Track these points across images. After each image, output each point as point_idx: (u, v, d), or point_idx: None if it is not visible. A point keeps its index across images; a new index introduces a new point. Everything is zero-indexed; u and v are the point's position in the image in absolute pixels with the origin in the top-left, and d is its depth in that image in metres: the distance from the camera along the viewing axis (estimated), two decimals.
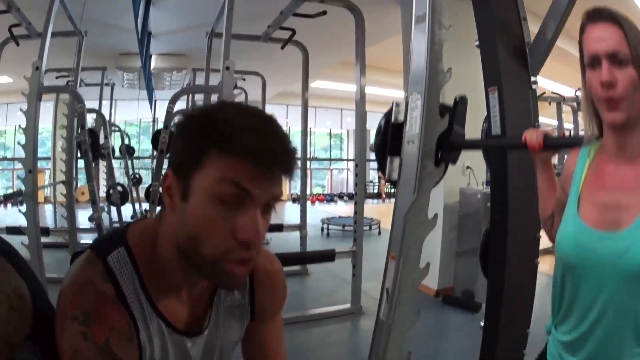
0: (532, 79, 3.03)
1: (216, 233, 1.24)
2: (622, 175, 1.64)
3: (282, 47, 7.61)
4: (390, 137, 2.72)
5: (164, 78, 12.64)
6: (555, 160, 2.19)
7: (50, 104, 12.81)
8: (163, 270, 1.41)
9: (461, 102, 2.57)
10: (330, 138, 25.53)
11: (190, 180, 1.25)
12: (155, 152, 8.03)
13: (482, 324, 3.28)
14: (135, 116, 19.00)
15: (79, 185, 12.16)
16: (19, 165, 5.42)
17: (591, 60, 1.59)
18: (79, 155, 7.40)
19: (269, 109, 9.47)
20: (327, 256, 6.21)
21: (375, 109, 9.83)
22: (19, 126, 5.16)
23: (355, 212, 6.42)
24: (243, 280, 1.34)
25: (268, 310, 1.71)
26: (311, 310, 6.47)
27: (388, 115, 2.76)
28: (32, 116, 5.02)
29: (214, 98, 5.88)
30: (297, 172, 1.31)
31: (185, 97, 9.89)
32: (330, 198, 22.63)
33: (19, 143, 5.17)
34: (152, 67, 11.35)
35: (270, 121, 1.27)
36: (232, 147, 1.19)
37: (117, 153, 10.95)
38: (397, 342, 2.68)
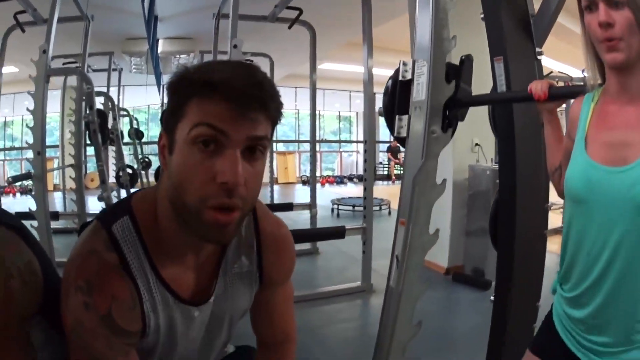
0: (537, 49, 3.03)
1: (196, 178, 1.24)
2: (626, 115, 1.66)
3: (290, 27, 7.56)
4: (398, 95, 2.73)
5: (171, 62, 12.63)
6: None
7: (57, 93, 12.81)
8: (166, 236, 1.43)
9: (467, 61, 2.59)
10: (340, 121, 25.49)
11: (174, 133, 1.28)
12: None
13: (492, 298, 3.28)
14: (144, 102, 19.02)
15: (88, 172, 12.19)
16: (27, 155, 5.46)
17: (588, 3, 1.62)
18: (87, 141, 7.46)
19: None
20: (337, 233, 6.20)
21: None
22: (27, 109, 5.17)
23: (364, 188, 6.43)
24: (230, 232, 1.33)
25: (277, 275, 1.72)
26: (321, 288, 6.48)
27: (395, 75, 2.77)
28: (40, 99, 5.05)
29: None
30: (280, 115, 1.34)
31: None
32: (340, 180, 22.61)
33: (27, 126, 5.19)
34: (159, 51, 11.34)
35: (248, 66, 1.29)
36: (206, 93, 1.22)
37: (126, 138, 10.96)
38: (408, 310, 2.70)
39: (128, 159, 10.62)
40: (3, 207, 1.68)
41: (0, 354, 1.37)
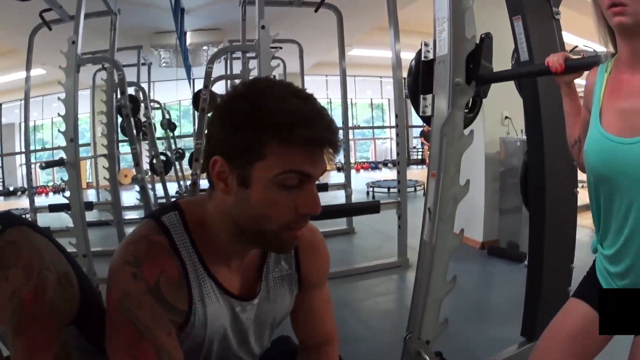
0: (555, 9, 3.06)
1: (281, 211, 1.39)
2: (638, 81, 1.68)
3: (316, 10, 7.54)
4: (421, 74, 2.82)
5: (200, 54, 12.71)
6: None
7: (86, 93, 12.89)
8: (215, 243, 1.54)
9: (487, 39, 2.65)
10: (372, 109, 25.45)
11: (250, 170, 1.36)
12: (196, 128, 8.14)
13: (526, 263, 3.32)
14: (175, 97, 19.11)
15: (121, 168, 12.30)
16: (58, 156, 5.56)
17: None
18: (120, 135, 7.57)
19: (308, 80, 9.48)
20: (373, 207, 6.24)
21: None
22: (59, 98, 5.24)
23: (398, 163, 6.49)
24: (295, 243, 1.53)
25: (314, 277, 1.82)
26: (358, 264, 6.53)
27: (418, 55, 2.86)
28: (71, 88, 5.12)
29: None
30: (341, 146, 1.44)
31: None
32: (374, 165, 22.65)
33: (59, 114, 5.28)
34: (187, 43, 11.42)
35: (314, 103, 1.39)
36: (290, 139, 1.32)
37: (158, 131, 11.03)
38: (442, 264, 2.75)
39: (161, 148, 10.69)
40: (36, 205, 1.78)
41: (43, 355, 1.45)
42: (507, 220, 6.81)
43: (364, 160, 23.87)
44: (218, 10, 10.47)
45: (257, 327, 1.74)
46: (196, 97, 7.26)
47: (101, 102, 7.74)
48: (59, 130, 5.36)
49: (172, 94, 17.73)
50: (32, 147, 10.81)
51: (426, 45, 2.80)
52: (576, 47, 9.59)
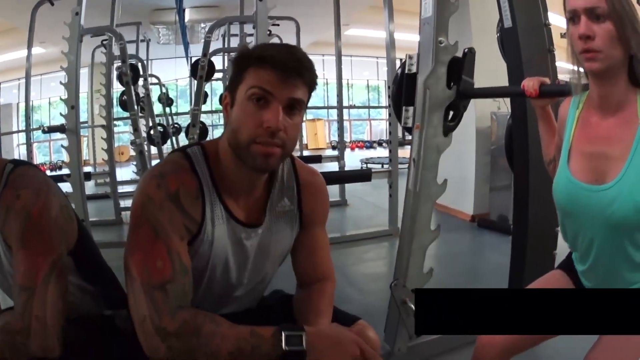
0: None
1: (249, 124, 1.65)
2: (607, 126, 1.79)
3: None
4: (405, 87, 3.00)
5: (198, 31, 12.80)
6: None
7: (84, 71, 12.91)
8: (225, 173, 1.80)
9: (470, 53, 2.82)
10: (369, 91, 25.50)
11: (235, 93, 1.69)
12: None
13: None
14: (172, 76, 19.12)
15: (117, 145, 12.40)
16: (55, 136, 5.69)
17: (571, 15, 1.73)
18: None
19: None
20: (364, 175, 6.37)
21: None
22: (61, 67, 5.38)
23: (389, 133, 6.61)
24: (272, 162, 1.71)
25: (314, 216, 2.05)
26: (350, 231, 6.72)
27: (402, 67, 3.03)
28: (73, 58, 5.29)
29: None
30: (314, 84, 1.74)
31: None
32: (369, 145, 22.81)
33: (60, 83, 5.43)
34: (186, 20, 11.49)
35: (290, 46, 1.73)
36: (259, 63, 1.63)
37: (156, 108, 11.13)
38: (426, 211, 2.91)
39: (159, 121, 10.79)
40: None
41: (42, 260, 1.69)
42: (499, 195, 6.96)
43: (360, 140, 23.98)
44: None
45: (257, 258, 1.94)
46: (194, 66, 7.45)
47: (99, 81, 7.95)
48: (60, 83, 5.53)
49: (170, 73, 17.77)
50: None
51: (410, 58, 2.98)
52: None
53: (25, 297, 1.66)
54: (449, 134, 2.92)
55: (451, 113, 2.93)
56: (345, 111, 8.88)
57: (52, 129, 5.81)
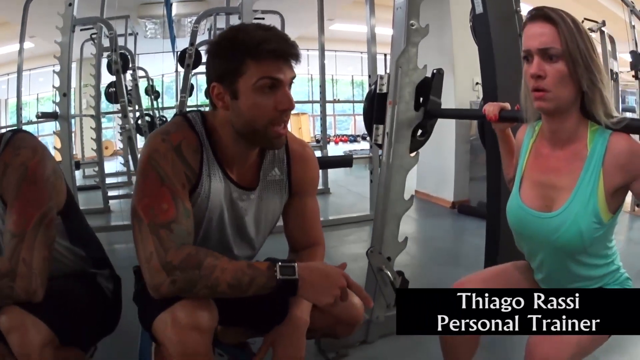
0: None
1: (264, 111, 1.85)
2: (556, 158, 1.93)
3: None
4: (375, 106, 3.20)
5: (184, 25, 12.92)
6: None
7: (73, 66, 12.94)
8: (222, 145, 2.00)
9: (438, 74, 3.03)
10: (353, 87, 25.59)
11: (237, 85, 1.84)
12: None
13: None
14: (158, 71, 19.13)
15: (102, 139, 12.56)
16: (43, 132, 5.89)
17: (525, 55, 1.84)
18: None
19: None
20: (346, 161, 6.51)
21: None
22: (55, 56, 5.56)
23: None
24: (284, 139, 1.98)
25: (303, 185, 2.25)
26: (333, 216, 6.93)
27: (375, 86, 3.21)
28: (66, 47, 5.51)
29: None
30: (301, 56, 1.91)
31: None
32: (353, 138, 22.89)
33: (54, 71, 5.62)
34: (173, 14, 11.60)
35: (274, 29, 1.89)
36: (260, 55, 1.80)
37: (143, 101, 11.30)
38: (399, 181, 3.09)
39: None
40: None
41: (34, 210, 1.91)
42: (478, 183, 7.06)
43: (344, 134, 24.10)
44: None
45: (249, 221, 2.14)
46: (182, 55, 7.65)
47: (88, 75, 8.13)
48: (54, 72, 5.69)
49: (156, 68, 17.78)
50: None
51: (381, 78, 3.15)
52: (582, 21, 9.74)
53: (15, 243, 1.85)
54: (416, 150, 3.16)
55: (419, 132, 3.15)
56: (330, 107, 9.01)
57: (45, 115, 6.00)
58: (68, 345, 2.04)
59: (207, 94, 2.04)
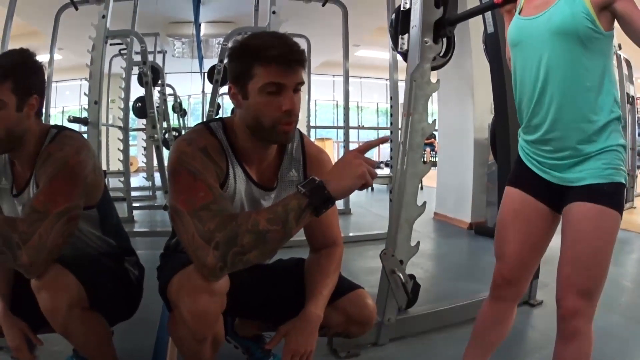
0: None
1: (270, 111, 1.99)
2: None
3: (323, 4, 7.96)
4: (400, 20, 3.41)
5: (212, 45, 13.12)
6: None
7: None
8: (241, 143, 2.17)
9: None
10: (378, 115, 25.70)
11: (247, 87, 2.00)
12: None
13: None
14: (186, 92, 19.30)
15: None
16: None
17: None
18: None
19: (314, 80, 9.95)
20: None
21: None
22: (87, 65, 5.72)
23: (391, 141, 7.06)
24: (290, 136, 2.08)
25: None
26: (352, 233, 7.07)
27: (397, 9, 3.48)
28: (98, 56, 5.62)
29: None
30: (306, 61, 2.08)
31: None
32: (377, 165, 22.91)
33: (85, 79, 5.81)
34: (201, 34, 11.82)
35: (283, 36, 2.03)
36: (266, 60, 1.94)
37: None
38: (413, 187, 3.23)
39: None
40: None
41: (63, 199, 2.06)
42: (495, 208, 7.12)
43: None
44: (232, 3, 10.92)
45: None
46: (211, 71, 7.90)
47: (115, 92, 8.33)
48: (85, 79, 5.90)
49: (184, 88, 17.93)
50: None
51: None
52: None
53: (36, 217, 1.97)
54: (441, 67, 3.35)
55: (444, 46, 3.34)
56: (354, 134, 9.15)
57: (76, 120, 6.14)
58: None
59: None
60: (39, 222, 1.95)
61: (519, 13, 2.24)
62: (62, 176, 2.06)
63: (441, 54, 3.32)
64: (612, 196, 2.02)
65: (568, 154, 2.11)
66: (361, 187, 1.86)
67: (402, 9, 3.41)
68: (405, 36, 3.36)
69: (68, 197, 2.05)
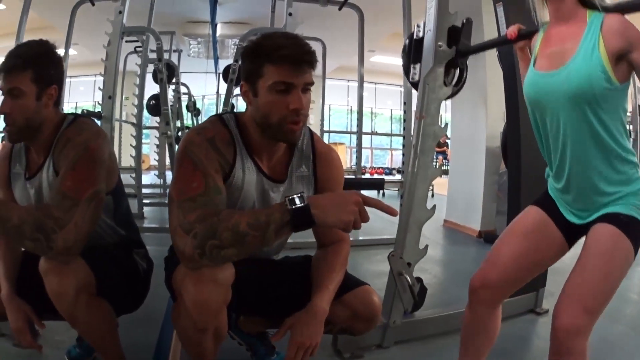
0: None
1: (278, 109, 2.03)
2: (562, 33, 2.13)
3: (340, 8, 7.97)
4: (413, 49, 3.42)
5: (228, 46, 13.16)
6: None
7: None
8: (252, 138, 2.19)
9: (467, 23, 3.23)
10: (392, 122, 25.71)
11: (257, 85, 2.05)
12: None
13: None
14: (200, 92, 19.33)
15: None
16: None
17: None
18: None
19: (329, 85, 9.86)
20: (377, 184, 6.61)
21: None
22: (102, 60, 5.74)
23: (403, 146, 7.02)
24: (298, 135, 2.12)
25: (328, 183, 2.39)
26: (362, 237, 7.03)
27: (410, 36, 3.48)
28: (114, 51, 5.64)
29: None
30: (317, 62, 2.08)
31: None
32: (388, 171, 23.11)
33: (100, 74, 5.84)
34: (217, 34, 11.83)
35: (295, 37, 2.08)
36: (275, 60, 1.98)
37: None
38: (423, 190, 3.25)
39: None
40: None
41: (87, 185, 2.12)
42: (505, 217, 7.11)
43: (380, 167, 24.20)
44: (248, 4, 11.00)
45: None
46: (226, 70, 7.94)
47: (129, 89, 8.36)
48: (100, 74, 5.93)
49: (198, 88, 17.97)
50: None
51: (418, 26, 3.40)
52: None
53: (69, 205, 2.03)
54: (454, 95, 3.36)
55: (456, 75, 3.34)
56: (367, 140, 9.15)
57: (90, 113, 6.16)
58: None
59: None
60: (74, 207, 2.02)
61: (534, 63, 2.25)
62: (85, 160, 2.12)
63: (453, 83, 3.33)
64: (627, 225, 2.03)
65: (588, 207, 2.17)
66: (342, 229, 1.88)
67: (414, 37, 3.42)
68: (417, 66, 3.37)
69: (94, 181, 2.13)
